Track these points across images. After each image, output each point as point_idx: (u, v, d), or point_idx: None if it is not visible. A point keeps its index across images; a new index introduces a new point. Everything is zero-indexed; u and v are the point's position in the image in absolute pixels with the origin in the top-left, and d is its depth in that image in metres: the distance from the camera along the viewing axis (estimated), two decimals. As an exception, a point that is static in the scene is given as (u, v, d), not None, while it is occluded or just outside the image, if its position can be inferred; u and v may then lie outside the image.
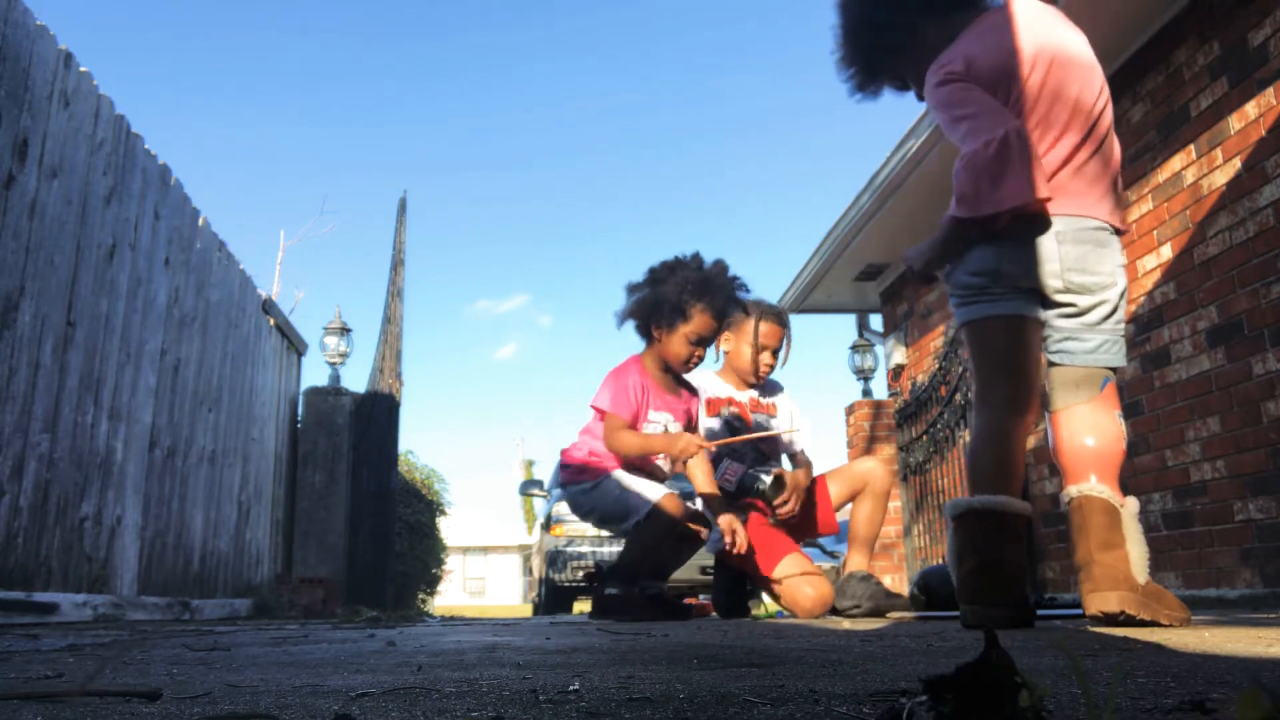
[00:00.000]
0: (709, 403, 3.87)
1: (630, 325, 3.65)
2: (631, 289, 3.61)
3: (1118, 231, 2.23)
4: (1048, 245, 2.17)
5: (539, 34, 61.42)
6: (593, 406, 3.64)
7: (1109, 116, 2.28)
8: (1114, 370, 2.21)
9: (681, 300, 3.42)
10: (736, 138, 64.64)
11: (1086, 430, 2.15)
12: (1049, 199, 2.12)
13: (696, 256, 3.55)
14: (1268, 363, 3.76)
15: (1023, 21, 2.26)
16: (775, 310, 3.95)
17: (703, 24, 63.73)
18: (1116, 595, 2.01)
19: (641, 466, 3.63)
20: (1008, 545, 2.13)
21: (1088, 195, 2.19)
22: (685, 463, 3.49)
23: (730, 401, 3.89)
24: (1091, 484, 2.11)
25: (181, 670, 1.36)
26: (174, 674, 1.29)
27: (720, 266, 3.55)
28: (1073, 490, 2.14)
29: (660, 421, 3.60)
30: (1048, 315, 2.23)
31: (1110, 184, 2.25)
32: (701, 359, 3.59)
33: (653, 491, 3.47)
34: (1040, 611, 3.20)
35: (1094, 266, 2.17)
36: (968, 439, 6.31)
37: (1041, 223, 2.16)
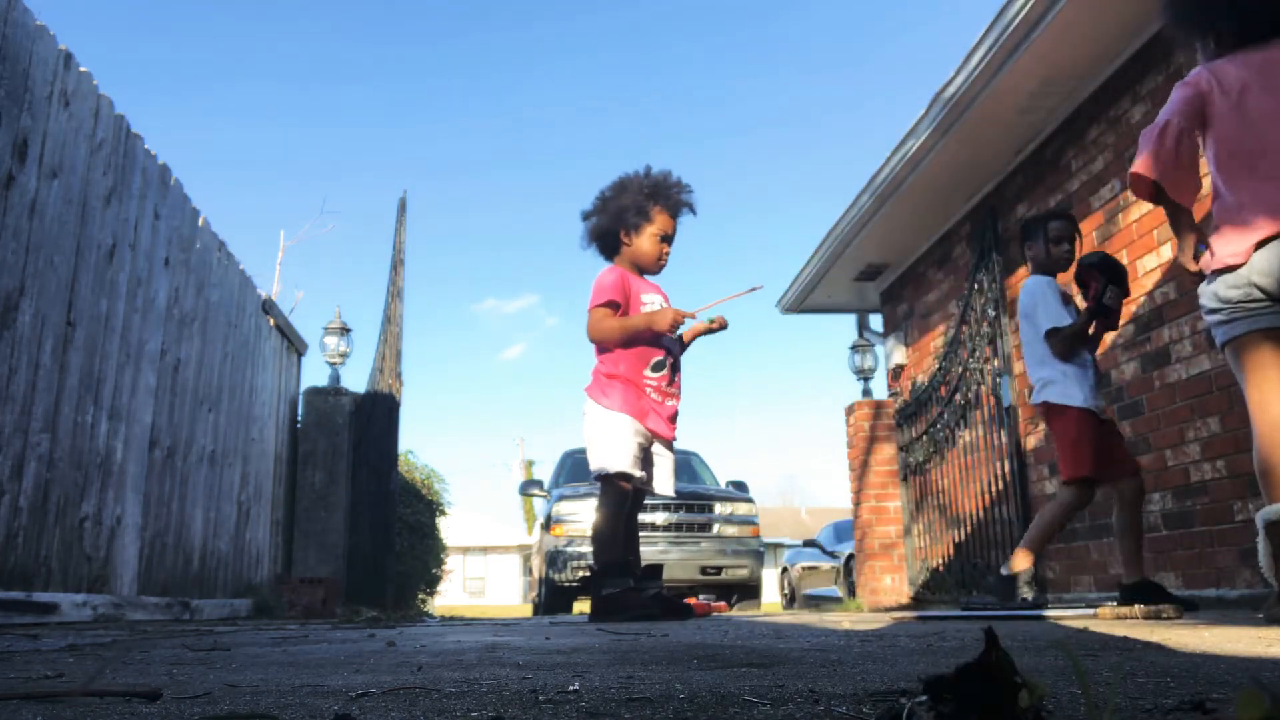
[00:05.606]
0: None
1: (593, 247, 3.86)
2: (588, 215, 3.85)
3: None
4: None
5: (545, 34, 61.41)
6: (589, 311, 3.68)
7: None
8: None
9: (643, 203, 3.72)
10: (738, 139, 64.65)
11: None
12: (1146, 176, 2.41)
13: (644, 168, 3.83)
14: (1268, 363, 3.76)
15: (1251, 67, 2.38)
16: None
17: (704, 26, 63.72)
18: None
19: (648, 352, 3.66)
20: None
21: None
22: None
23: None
24: None
25: (181, 670, 1.36)
26: (174, 674, 1.29)
27: (666, 172, 3.83)
28: None
29: (653, 302, 3.74)
30: None
31: None
32: (668, 256, 3.82)
33: (617, 456, 3.52)
34: (1022, 611, 3.20)
35: None
36: (967, 439, 6.31)
37: (1166, 204, 2.48)
